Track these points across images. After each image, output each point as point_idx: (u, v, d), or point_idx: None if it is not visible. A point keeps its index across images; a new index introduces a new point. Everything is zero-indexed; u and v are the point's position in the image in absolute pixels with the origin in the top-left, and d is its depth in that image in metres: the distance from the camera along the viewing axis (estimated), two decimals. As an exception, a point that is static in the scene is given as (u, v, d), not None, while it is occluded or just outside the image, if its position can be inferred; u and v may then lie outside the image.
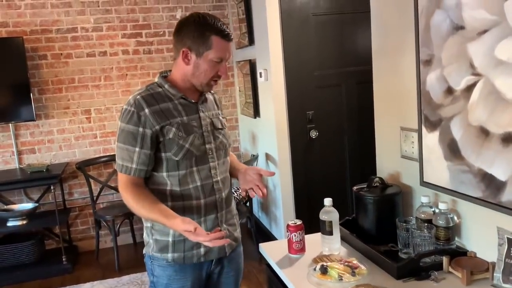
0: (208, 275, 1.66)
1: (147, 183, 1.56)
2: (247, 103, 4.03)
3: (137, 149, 1.47)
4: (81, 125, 4.05)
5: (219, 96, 1.79)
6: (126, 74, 4.10)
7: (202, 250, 1.58)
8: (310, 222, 1.84)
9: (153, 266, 1.62)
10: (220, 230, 1.52)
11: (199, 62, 1.48)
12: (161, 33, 4.14)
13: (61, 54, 3.93)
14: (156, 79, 1.59)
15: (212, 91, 1.71)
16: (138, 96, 1.49)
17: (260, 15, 3.43)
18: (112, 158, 4.08)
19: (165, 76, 1.59)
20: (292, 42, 3.28)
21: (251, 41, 3.67)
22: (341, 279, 1.38)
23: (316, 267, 1.46)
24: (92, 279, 3.53)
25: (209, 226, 1.57)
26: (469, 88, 1.34)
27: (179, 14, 4.15)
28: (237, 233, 1.72)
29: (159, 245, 1.57)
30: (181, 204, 1.54)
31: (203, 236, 1.35)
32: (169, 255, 1.57)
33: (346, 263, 1.46)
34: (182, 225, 1.36)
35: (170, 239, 1.56)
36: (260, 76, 3.52)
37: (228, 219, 1.66)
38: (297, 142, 3.41)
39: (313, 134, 3.40)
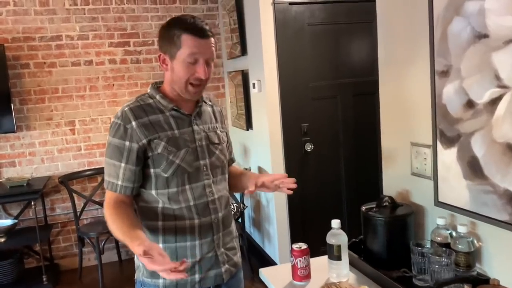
0: None
1: (137, 201, 1.46)
2: (238, 115, 3.90)
3: (122, 164, 1.38)
4: (65, 137, 3.87)
5: (220, 109, 1.66)
6: (113, 84, 3.94)
7: (196, 276, 1.45)
8: (306, 239, 1.70)
9: None
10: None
11: (173, 65, 1.37)
12: (150, 42, 4.00)
13: (45, 63, 3.76)
14: (148, 90, 1.48)
15: (211, 103, 1.60)
16: (126, 108, 1.40)
17: (253, 24, 3.32)
18: (97, 172, 3.91)
19: (158, 86, 1.48)
20: (286, 52, 3.18)
21: (244, 51, 3.56)
22: None
23: None
24: (74, 301, 3.33)
25: (205, 250, 1.46)
26: (494, 102, 1.23)
27: (168, 23, 4.02)
28: (237, 258, 1.58)
29: (149, 270, 1.41)
30: (173, 224, 1.42)
31: (158, 264, 1.14)
32: (161, 281, 1.44)
33: None
34: (137, 247, 1.16)
35: None
36: (253, 87, 3.40)
37: (227, 242, 1.53)
38: (292, 156, 3.28)
39: (308, 147, 3.29)
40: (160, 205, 1.42)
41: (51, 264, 3.86)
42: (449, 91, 1.40)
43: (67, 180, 3.70)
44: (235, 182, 1.64)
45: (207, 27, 1.38)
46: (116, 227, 1.32)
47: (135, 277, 1.52)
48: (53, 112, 3.82)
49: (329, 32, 3.28)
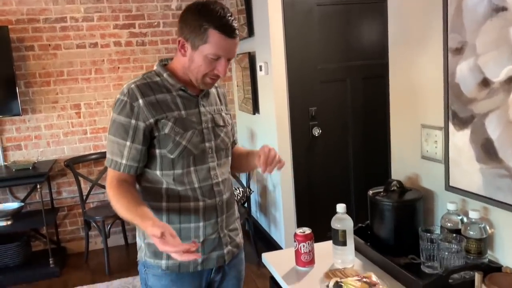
0: (208, 284, 1.51)
1: (140, 181, 1.43)
2: (245, 99, 3.83)
3: (128, 143, 1.34)
4: (70, 121, 3.84)
5: (223, 91, 1.61)
6: (118, 67, 3.89)
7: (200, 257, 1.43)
8: (312, 225, 1.64)
9: (147, 275, 1.47)
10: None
11: (194, 56, 1.33)
12: (155, 24, 3.93)
13: (49, 45, 3.72)
14: (154, 67, 1.43)
15: (216, 85, 1.55)
16: (133, 85, 1.35)
17: (261, 5, 3.23)
18: (103, 155, 3.88)
19: (164, 64, 1.44)
20: (294, 34, 3.09)
21: (251, 33, 3.48)
22: None
23: (329, 283, 1.28)
24: (80, 284, 3.34)
25: (209, 232, 1.44)
26: (511, 80, 1.15)
27: (174, 5, 3.94)
28: (239, 238, 1.58)
29: (152, 250, 1.42)
30: (177, 205, 1.40)
31: (170, 246, 1.14)
32: (163, 262, 1.42)
33: (363, 279, 1.28)
34: (150, 227, 1.17)
35: None
36: (260, 70, 3.33)
37: (229, 223, 1.52)
38: (299, 140, 3.22)
39: (316, 131, 3.22)
40: (165, 185, 1.39)
41: (58, 247, 3.87)
42: (463, 70, 1.32)
43: (72, 163, 3.68)
44: (242, 162, 1.62)
45: (236, 25, 1.32)
46: (121, 206, 1.30)
47: (138, 258, 1.51)
48: (59, 95, 3.79)
49: (339, 13, 3.18)
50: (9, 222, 3.45)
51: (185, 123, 1.37)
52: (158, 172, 1.38)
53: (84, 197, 3.73)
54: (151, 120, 1.33)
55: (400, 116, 1.72)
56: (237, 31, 1.32)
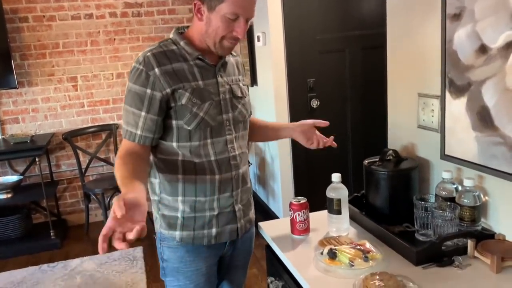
0: (220, 257, 1.51)
1: (155, 152, 1.38)
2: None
3: (143, 113, 1.29)
4: (67, 93, 3.82)
5: (241, 60, 1.56)
6: (114, 39, 3.84)
7: (213, 230, 1.41)
8: (310, 196, 1.65)
9: (162, 248, 1.45)
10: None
11: (211, 17, 1.26)
12: (151, -6, 3.86)
13: (44, 16, 3.66)
14: (170, 35, 1.37)
15: (235, 54, 1.49)
16: (149, 53, 1.29)
17: (258, -27, 3.15)
18: (101, 129, 3.89)
19: (181, 32, 1.38)
20: (292, 3, 3.03)
21: (248, 3, 3.41)
22: (352, 265, 1.22)
23: (323, 251, 1.29)
24: (81, 255, 3.39)
25: (223, 205, 1.41)
26: (509, 46, 1.14)
27: (170, -26, 3.86)
28: (252, 214, 1.55)
29: (166, 221, 1.41)
30: (193, 177, 1.36)
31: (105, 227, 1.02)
32: (177, 233, 1.40)
33: (357, 247, 1.29)
34: (116, 201, 1.01)
35: (179, 215, 1.39)
36: (258, 40, 3.28)
37: (244, 198, 1.48)
38: (297, 112, 3.20)
39: (314, 103, 3.20)
40: (180, 158, 1.35)
41: (59, 220, 3.91)
42: (460, 36, 1.30)
43: (70, 137, 3.68)
44: (269, 134, 1.68)
45: None
46: (119, 175, 1.22)
47: (155, 229, 1.47)
48: (55, 67, 3.75)
49: (338, -19, 3.11)
50: (9, 195, 3.48)
51: (202, 93, 1.32)
52: (174, 144, 1.34)
53: (83, 170, 3.75)
54: (168, 90, 1.28)
55: (397, 85, 1.70)
56: None
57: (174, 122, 1.31)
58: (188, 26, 1.39)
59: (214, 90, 1.35)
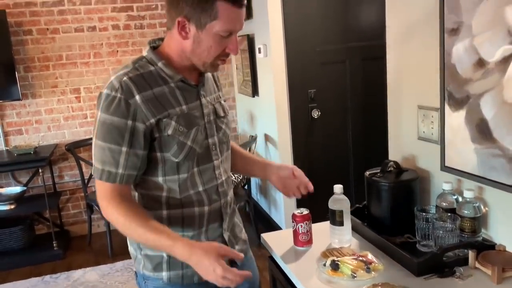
0: None
1: (136, 186, 1.24)
2: (245, 81, 3.83)
3: (124, 148, 1.13)
4: (70, 105, 3.85)
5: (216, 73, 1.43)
6: (117, 51, 3.88)
7: None
8: (311, 207, 1.67)
9: (147, 287, 1.32)
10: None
11: (200, 37, 1.13)
12: (153, 6, 3.90)
13: (47, 29, 3.70)
14: (144, 53, 1.22)
15: None
16: (125, 78, 1.13)
17: (259, -14, 3.20)
18: (103, 140, 3.90)
19: (154, 47, 1.23)
20: (293, 16, 3.07)
21: (249, 15, 3.45)
22: (355, 276, 1.23)
23: (326, 262, 1.31)
24: (84, 265, 3.40)
25: (211, 237, 1.29)
26: (506, 60, 1.16)
27: (172, -13, 3.90)
28: (243, 234, 1.45)
29: (151, 262, 1.27)
30: (179, 212, 1.24)
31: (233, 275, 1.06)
32: (164, 274, 1.26)
33: (359, 258, 1.31)
34: (217, 269, 1.05)
35: (165, 254, 1.24)
36: (259, 52, 3.32)
37: (231, 222, 1.38)
38: (298, 123, 3.23)
39: (315, 114, 3.23)
40: (165, 193, 1.22)
41: (61, 231, 3.92)
42: (459, 50, 1.33)
43: (74, 147, 3.70)
44: (240, 163, 1.50)
45: None
46: (139, 225, 1.12)
47: (135, 269, 1.34)
48: (58, 79, 3.79)
49: (338, -6, 3.15)
50: (12, 206, 3.50)
51: (189, 120, 1.19)
52: (160, 179, 1.21)
53: (86, 181, 3.76)
54: (152, 121, 1.13)
55: (397, 97, 1.73)
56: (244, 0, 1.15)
57: (159, 154, 1.18)
58: (161, 39, 1.25)
59: (199, 113, 1.23)
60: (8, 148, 3.69)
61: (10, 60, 3.51)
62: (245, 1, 1.15)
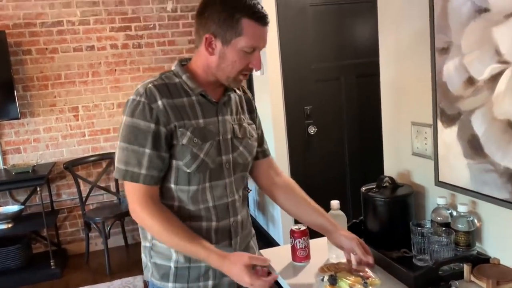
0: None
1: None
2: (241, 99, 3.87)
3: (147, 150, 1.18)
4: (69, 123, 3.88)
5: (249, 96, 1.44)
6: (115, 70, 3.93)
7: (210, 283, 1.29)
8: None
9: None
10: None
11: (225, 52, 1.19)
12: (151, 26, 3.97)
13: (46, 49, 3.75)
14: (172, 67, 1.30)
15: (240, 91, 1.41)
16: (150, 85, 1.21)
17: (254, 6, 3.27)
18: (101, 157, 3.92)
19: (183, 64, 1.31)
20: (288, 34, 3.14)
21: (246, 34, 3.52)
22: None
23: (324, 277, 1.32)
24: (82, 284, 3.38)
25: None
26: (495, 78, 1.20)
27: (169, 7, 3.98)
28: None
29: (158, 271, 1.30)
30: (187, 224, 1.25)
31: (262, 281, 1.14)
32: (170, 285, 1.29)
33: (356, 273, 1.32)
34: (247, 276, 1.14)
35: (172, 264, 1.28)
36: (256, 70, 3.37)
37: (244, 244, 1.39)
38: (295, 139, 3.27)
39: (312, 130, 3.27)
40: (177, 203, 1.26)
41: (59, 249, 3.91)
42: (449, 69, 1.37)
43: (72, 166, 3.72)
44: (305, 217, 1.45)
45: (265, 11, 1.21)
46: (180, 240, 1.19)
47: (144, 277, 1.38)
48: (57, 98, 3.83)
49: (332, 13, 3.23)
50: (9, 225, 3.49)
51: (203, 133, 1.23)
52: (173, 186, 1.25)
53: (84, 199, 3.77)
54: (171, 125, 1.19)
55: (392, 114, 1.77)
56: (268, 18, 1.20)
57: (174, 162, 1.22)
58: (190, 58, 1.32)
59: (215, 129, 1.26)
60: (6, 167, 3.71)
61: (9, 80, 3.55)
62: (269, 20, 1.20)
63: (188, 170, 1.22)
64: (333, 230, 1.39)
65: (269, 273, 1.25)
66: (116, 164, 1.23)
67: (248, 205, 3.63)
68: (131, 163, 1.19)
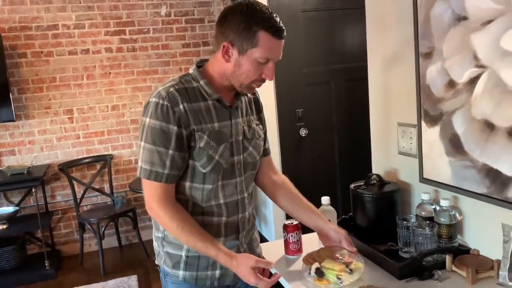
0: None
1: None
2: (234, 102, 3.95)
3: (170, 151, 1.24)
4: (63, 126, 3.93)
5: (258, 97, 1.51)
6: (110, 73, 3.99)
7: (217, 272, 1.37)
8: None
9: (166, 283, 1.43)
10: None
11: (241, 61, 1.24)
12: (145, 30, 4.04)
13: (42, 52, 3.80)
14: (190, 70, 1.34)
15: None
16: (171, 89, 1.25)
17: (247, 11, 3.36)
18: (95, 159, 3.97)
19: (199, 66, 1.36)
20: (280, 39, 3.22)
21: (239, 38, 3.60)
22: (340, 282, 1.30)
23: (310, 271, 1.37)
24: (76, 284, 3.42)
25: (228, 247, 1.35)
26: (473, 81, 1.30)
27: (163, 11, 4.06)
28: (259, 249, 1.54)
29: (170, 260, 1.38)
30: (200, 219, 1.33)
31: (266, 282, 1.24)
32: (181, 273, 1.37)
33: (339, 260, 1.37)
34: (253, 275, 1.23)
35: (183, 253, 1.35)
36: (248, 74, 3.45)
37: (249, 236, 1.47)
38: (287, 141, 3.35)
39: (303, 132, 3.35)
40: (190, 199, 1.33)
41: (53, 250, 3.94)
42: (432, 72, 1.46)
43: (66, 167, 3.76)
44: (298, 214, 1.53)
45: (283, 25, 1.25)
46: (195, 238, 1.26)
47: (156, 263, 1.45)
48: (51, 100, 3.87)
49: (322, 19, 3.32)
50: (4, 226, 3.52)
51: (219, 136, 1.30)
52: (187, 184, 1.31)
53: (78, 200, 3.81)
54: (191, 128, 1.26)
55: (379, 115, 1.86)
56: (285, 31, 1.25)
57: (190, 162, 1.29)
58: (207, 60, 1.37)
59: (228, 132, 1.33)
60: (1, 168, 3.74)
61: (4, 82, 3.59)
62: (284, 34, 1.25)
63: (204, 171, 1.29)
64: (324, 224, 1.48)
65: (271, 274, 1.36)
66: (140, 164, 1.28)
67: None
68: (155, 163, 1.25)
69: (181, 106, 1.24)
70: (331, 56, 3.37)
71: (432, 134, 1.50)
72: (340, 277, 1.31)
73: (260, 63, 1.24)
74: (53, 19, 3.79)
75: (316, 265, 1.37)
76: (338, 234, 1.44)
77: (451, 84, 1.38)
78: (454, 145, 1.41)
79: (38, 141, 3.87)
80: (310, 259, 1.43)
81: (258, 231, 3.86)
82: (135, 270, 3.55)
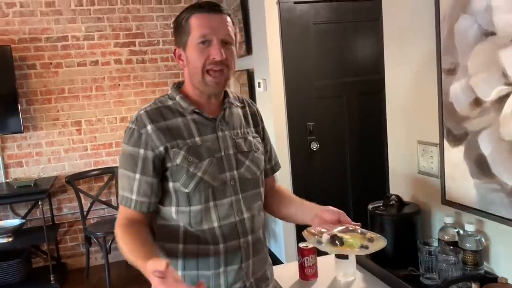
0: None
1: (156, 217, 1.27)
2: (244, 114, 3.90)
3: (137, 175, 1.19)
4: (71, 137, 3.89)
5: (256, 109, 1.43)
6: (119, 84, 3.96)
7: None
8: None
9: None
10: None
11: (187, 55, 1.21)
12: (155, 42, 4.01)
13: (51, 63, 3.79)
14: (169, 90, 1.31)
15: (242, 104, 1.38)
16: (142, 111, 1.23)
17: (258, 23, 3.32)
18: (103, 171, 3.93)
19: (179, 87, 1.30)
20: (292, 51, 3.17)
21: (249, 51, 3.56)
22: (367, 247, 1.13)
23: (322, 239, 1.14)
24: (81, 299, 3.36)
25: (231, 280, 1.24)
26: (502, 99, 1.23)
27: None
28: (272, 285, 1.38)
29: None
30: (195, 248, 1.22)
31: (169, 286, 0.94)
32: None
33: (350, 231, 1.19)
34: (151, 262, 0.99)
35: (180, 273, 1.23)
36: (259, 86, 3.40)
37: (257, 270, 1.30)
38: (297, 155, 3.28)
39: (314, 146, 3.29)
40: (181, 226, 1.23)
41: (59, 264, 3.89)
42: (456, 89, 1.39)
43: (73, 180, 3.72)
44: (290, 210, 1.43)
45: (219, 4, 1.21)
46: (127, 248, 1.14)
47: None
48: (60, 112, 3.85)
49: (334, 31, 3.27)
50: (10, 239, 3.47)
51: (199, 151, 1.21)
52: (173, 209, 1.22)
53: (85, 213, 3.76)
54: (161, 148, 1.18)
55: (397, 132, 1.79)
56: (220, 6, 1.20)
57: (171, 184, 1.21)
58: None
59: (214, 146, 1.23)
60: (8, 180, 3.70)
61: (13, 93, 3.57)
62: (219, 7, 1.20)
63: (186, 190, 1.19)
64: (319, 206, 1.35)
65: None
66: (119, 188, 1.26)
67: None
68: (126, 189, 1.22)
69: (148, 127, 1.20)
70: (343, 69, 3.32)
71: (455, 154, 1.43)
72: (363, 243, 1.13)
73: (202, 46, 1.18)
74: (63, 30, 3.78)
75: (326, 236, 1.15)
76: (337, 212, 1.29)
77: (477, 102, 1.31)
78: (480, 167, 1.33)
79: (45, 153, 3.84)
80: (318, 232, 1.19)
81: (268, 248, 3.79)
82: (141, 285, 3.47)
